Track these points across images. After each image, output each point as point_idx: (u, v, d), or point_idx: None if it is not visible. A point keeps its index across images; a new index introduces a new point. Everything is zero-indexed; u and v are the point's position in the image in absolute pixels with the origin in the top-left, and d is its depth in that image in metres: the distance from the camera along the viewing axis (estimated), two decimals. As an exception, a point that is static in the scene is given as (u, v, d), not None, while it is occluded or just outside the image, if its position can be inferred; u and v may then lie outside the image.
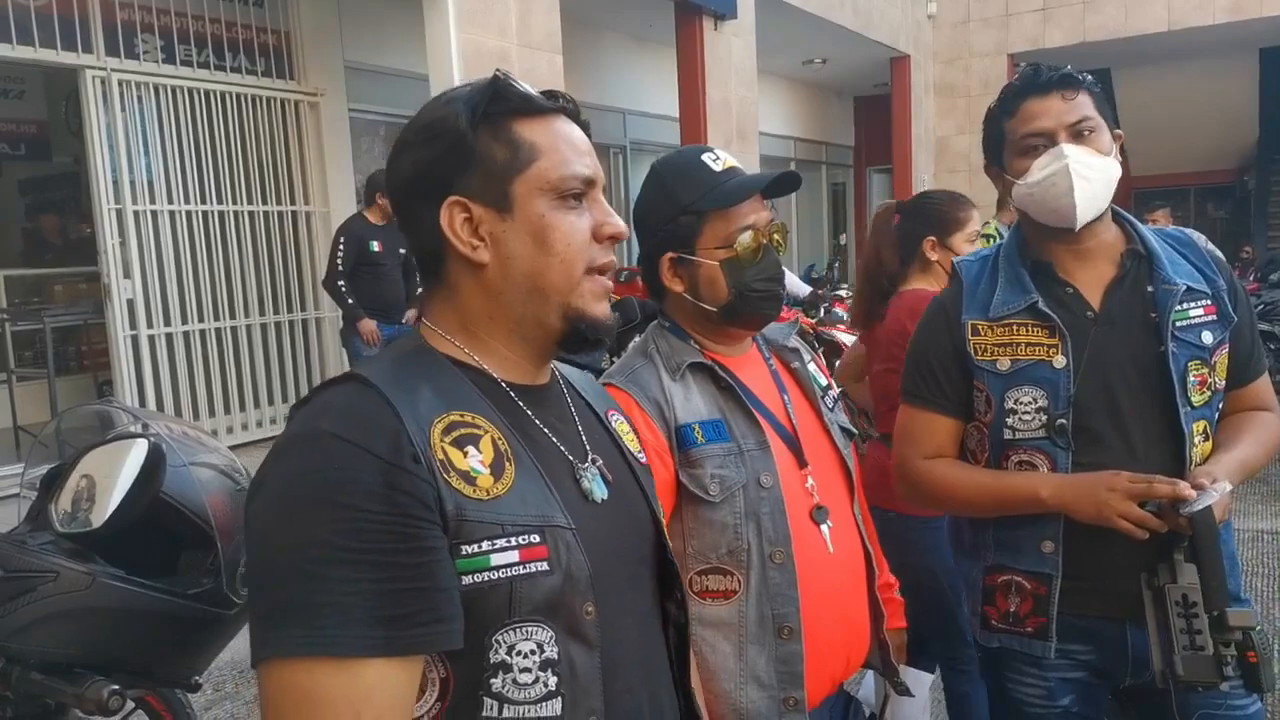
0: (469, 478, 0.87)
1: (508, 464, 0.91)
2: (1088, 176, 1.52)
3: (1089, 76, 1.60)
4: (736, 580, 1.39)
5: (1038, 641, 1.59)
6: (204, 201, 6.37)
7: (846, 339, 5.20)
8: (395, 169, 0.99)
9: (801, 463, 1.47)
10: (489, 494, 0.88)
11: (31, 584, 1.49)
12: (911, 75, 11.18)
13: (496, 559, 0.86)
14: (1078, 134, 1.54)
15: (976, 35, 11.51)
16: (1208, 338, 1.56)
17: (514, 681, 0.88)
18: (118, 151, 5.82)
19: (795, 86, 12.74)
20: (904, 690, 1.62)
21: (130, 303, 5.96)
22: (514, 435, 0.94)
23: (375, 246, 5.92)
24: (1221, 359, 1.58)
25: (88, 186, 5.92)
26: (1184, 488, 1.39)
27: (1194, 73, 12.30)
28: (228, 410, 6.57)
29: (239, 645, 3.75)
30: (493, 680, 0.87)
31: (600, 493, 0.99)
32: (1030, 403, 1.56)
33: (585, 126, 1.02)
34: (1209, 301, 1.58)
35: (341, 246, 5.84)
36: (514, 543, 0.87)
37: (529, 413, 0.98)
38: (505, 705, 0.88)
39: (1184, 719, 1.53)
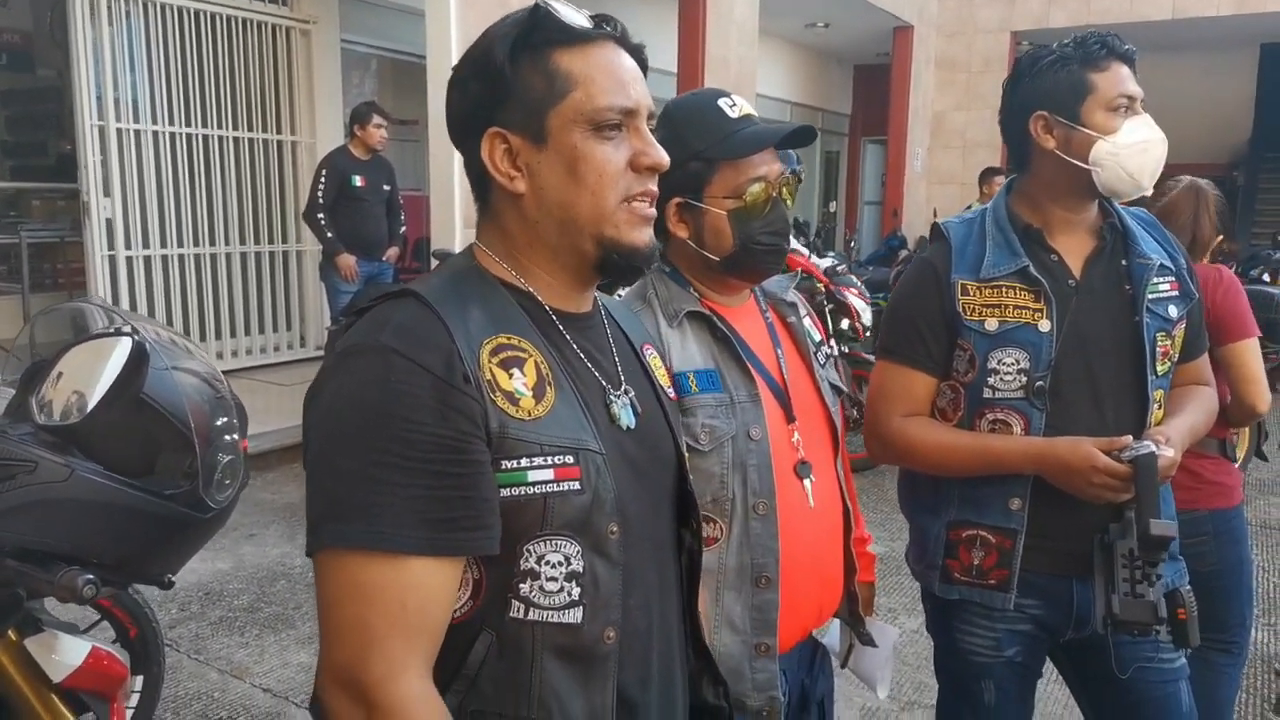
0: (513, 398, 0.93)
1: (549, 388, 0.96)
2: None
3: None
4: (719, 528, 1.40)
5: (998, 593, 1.65)
6: (188, 124, 6.26)
7: (858, 304, 5.17)
8: (448, 103, 1.02)
9: (790, 417, 1.47)
10: (530, 415, 0.93)
11: (10, 471, 1.50)
12: (913, 47, 11.05)
13: (533, 475, 0.92)
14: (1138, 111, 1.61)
15: (981, 11, 11.38)
16: (1173, 311, 1.65)
17: (540, 589, 0.94)
18: (103, 67, 5.69)
19: (796, 50, 12.60)
20: (868, 640, 1.66)
21: (109, 222, 5.87)
22: (555, 360, 0.99)
23: (358, 181, 5.82)
24: (1180, 333, 1.68)
25: (70, 101, 5.80)
26: (1127, 439, 1.51)
27: (1193, 65, 12.27)
28: (203, 337, 6.51)
29: (205, 568, 3.80)
30: (521, 585, 0.94)
31: (628, 420, 1.04)
32: (1013, 364, 1.60)
33: (637, 51, 1.02)
34: (1174, 278, 1.67)
35: (323, 179, 5.74)
36: (550, 462, 0.93)
37: (569, 338, 1.02)
38: (531, 609, 0.94)
39: (1121, 671, 1.63)
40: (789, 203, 1.47)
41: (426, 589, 0.88)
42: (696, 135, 1.41)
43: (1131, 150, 1.57)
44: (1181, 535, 2.09)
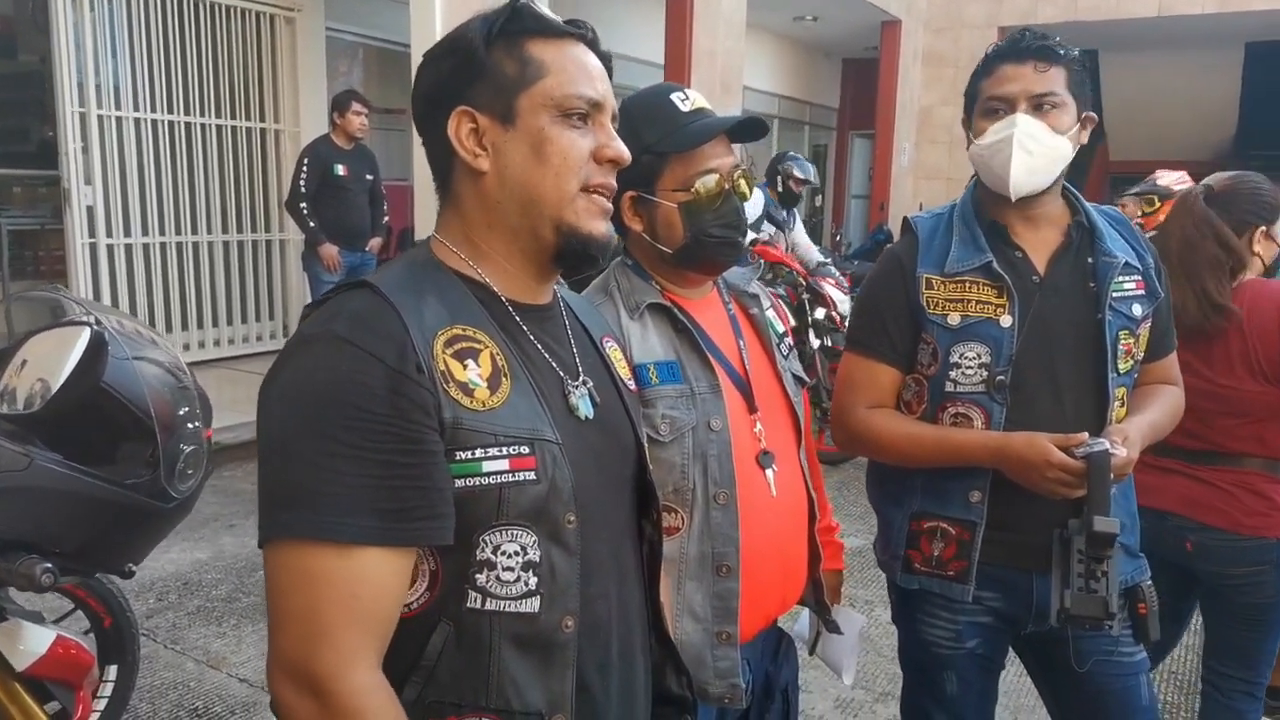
0: (467, 389, 0.93)
1: (504, 379, 0.97)
2: (1030, 150, 1.57)
3: (1074, 52, 1.62)
4: (680, 518, 1.41)
5: (957, 584, 1.67)
6: (171, 111, 6.21)
7: (835, 294, 5.18)
8: (417, 81, 1.04)
9: (751, 408, 1.49)
10: (484, 406, 0.94)
11: None
12: (901, 41, 11.08)
13: (488, 466, 0.93)
14: (1038, 107, 1.58)
15: (968, 6, 11.40)
16: (1138, 310, 1.66)
17: (497, 578, 0.95)
18: (84, 53, 5.64)
19: (784, 43, 12.60)
20: (834, 628, 1.68)
21: (90, 210, 5.83)
22: (511, 351, 1.00)
23: (340, 170, 5.80)
24: (1145, 332, 1.69)
25: (51, 87, 5.74)
26: (1083, 435, 1.50)
27: (1179, 63, 12.32)
28: (185, 327, 6.48)
29: (184, 558, 3.79)
30: (478, 575, 0.95)
31: (586, 410, 1.05)
32: (974, 358, 1.62)
33: (605, 58, 1.06)
34: (1140, 277, 1.68)
35: (305, 168, 5.72)
36: (504, 452, 0.94)
37: (526, 330, 1.03)
38: (488, 599, 0.95)
39: (1080, 665, 1.64)
40: (746, 196, 1.47)
41: (378, 579, 0.89)
42: (648, 128, 1.42)
43: (988, 152, 1.60)
44: (1246, 562, 2.04)
